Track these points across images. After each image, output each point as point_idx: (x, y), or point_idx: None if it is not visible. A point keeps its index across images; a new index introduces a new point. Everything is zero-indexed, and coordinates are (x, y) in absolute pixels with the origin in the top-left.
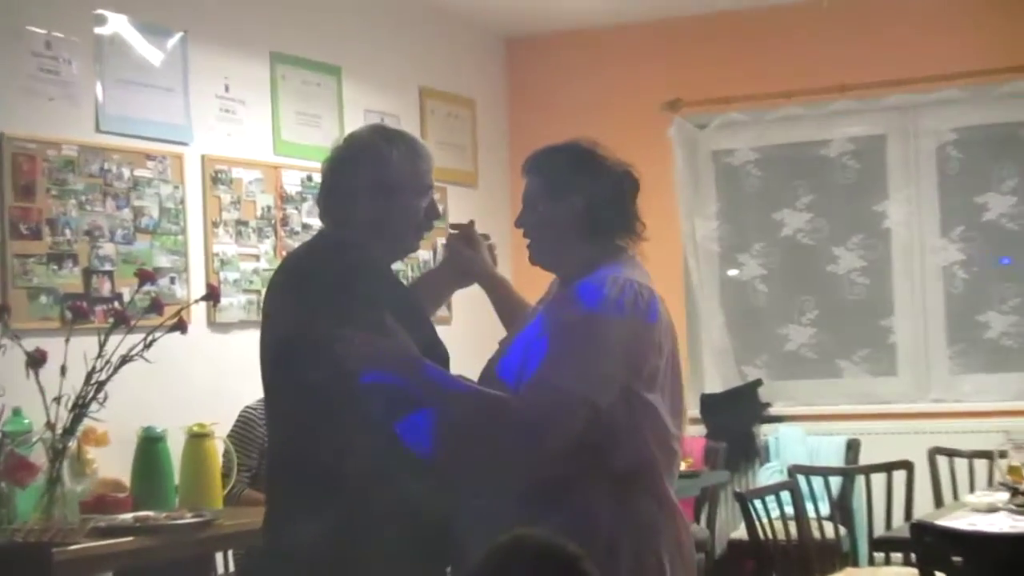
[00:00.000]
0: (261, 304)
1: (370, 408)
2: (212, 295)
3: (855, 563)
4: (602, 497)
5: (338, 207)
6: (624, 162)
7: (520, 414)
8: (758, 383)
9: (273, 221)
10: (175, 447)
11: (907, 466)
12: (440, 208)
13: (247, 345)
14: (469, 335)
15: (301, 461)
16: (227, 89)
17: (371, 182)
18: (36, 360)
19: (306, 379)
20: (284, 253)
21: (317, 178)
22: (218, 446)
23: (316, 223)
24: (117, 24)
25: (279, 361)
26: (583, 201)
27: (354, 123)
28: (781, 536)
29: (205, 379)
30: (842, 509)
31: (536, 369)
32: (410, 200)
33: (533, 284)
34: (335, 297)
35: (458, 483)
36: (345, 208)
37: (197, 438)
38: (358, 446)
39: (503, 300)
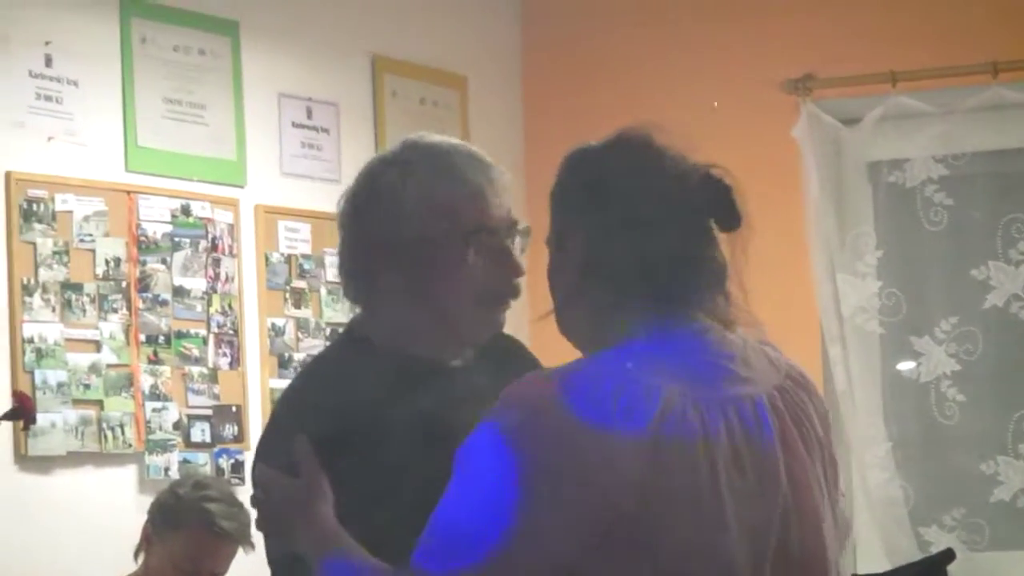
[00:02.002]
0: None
1: None
2: (21, 411)
3: None
4: None
5: (350, 286)
6: (699, 162)
7: None
8: (948, 557)
9: (124, 283)
10: None
11: None
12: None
13: (81, 494)
14: None
15: None
16: (49, 62)
17: (374, 237)
18: None
19: None
20: (142, 337)
21: (198, 209)
22: None
23: (196, 286)
24: None
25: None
26: (600, 237)
27: (260, 114)
28: None
29: (10, 552)
30: None
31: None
32: (447, 254)
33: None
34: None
35: None
36: (356, 286)
37: None
38: None
39: None
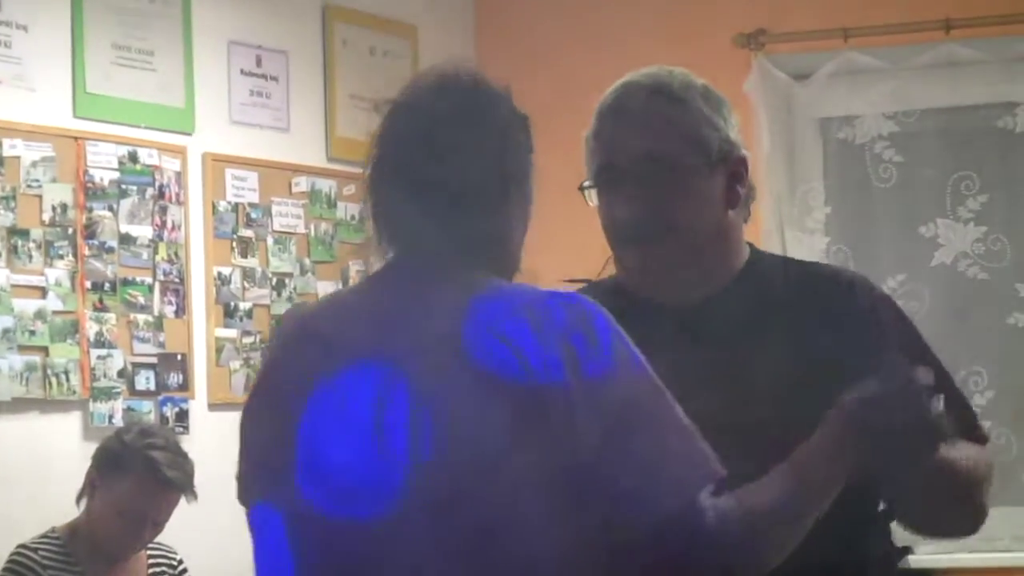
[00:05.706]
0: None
1: None
2: None
3: None
4: None
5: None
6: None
7: None
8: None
9: (71, 230)
10: None
11: None
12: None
13: (26, 440)
14: None
15: None
16: None
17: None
18: None
19: None
20: (88, 284)
21: (146, 156)
22: None
23: (142, 233)
24: None
25: None
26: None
27: (209, 62)
28: None
29: None
30: None
31: None
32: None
33: None
34: None
35: None
36: None
37: None
38: None
39: None
